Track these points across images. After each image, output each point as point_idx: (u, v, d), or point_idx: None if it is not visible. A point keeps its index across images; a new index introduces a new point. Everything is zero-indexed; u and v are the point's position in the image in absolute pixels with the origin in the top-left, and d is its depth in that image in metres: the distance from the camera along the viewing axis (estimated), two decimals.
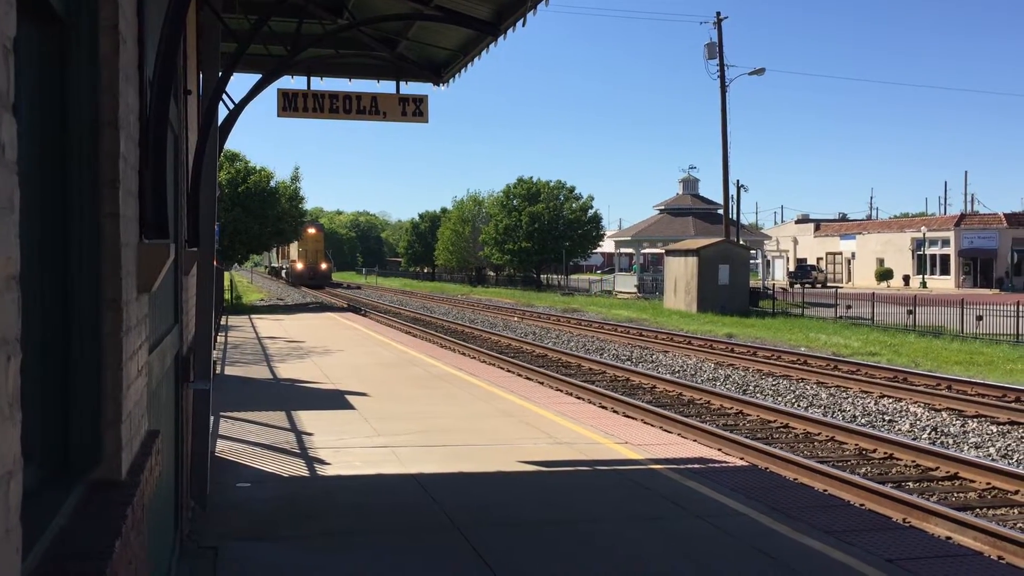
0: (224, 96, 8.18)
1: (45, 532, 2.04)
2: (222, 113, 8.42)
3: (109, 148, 2.58)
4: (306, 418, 11.97)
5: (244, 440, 10.51)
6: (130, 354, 2.83)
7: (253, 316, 35.91)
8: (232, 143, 77.71)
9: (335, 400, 13.85)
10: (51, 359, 2.46)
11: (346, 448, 10.12)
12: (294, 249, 74.59)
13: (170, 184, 4.80)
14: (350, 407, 13.12)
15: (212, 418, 9.27)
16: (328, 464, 9.37)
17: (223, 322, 29.61)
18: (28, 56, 2.24)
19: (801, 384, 18.70)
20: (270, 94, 11.11)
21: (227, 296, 42.18)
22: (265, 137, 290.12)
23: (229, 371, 17.27)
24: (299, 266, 71.96)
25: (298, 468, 9.25)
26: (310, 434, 10.90)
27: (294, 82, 12.36)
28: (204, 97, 8.28)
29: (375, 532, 7.11)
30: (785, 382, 19.01)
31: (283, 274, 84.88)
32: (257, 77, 8.56)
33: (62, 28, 2.45)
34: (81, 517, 2.29)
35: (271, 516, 7.48)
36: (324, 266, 73.26)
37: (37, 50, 2.33)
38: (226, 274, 42.50)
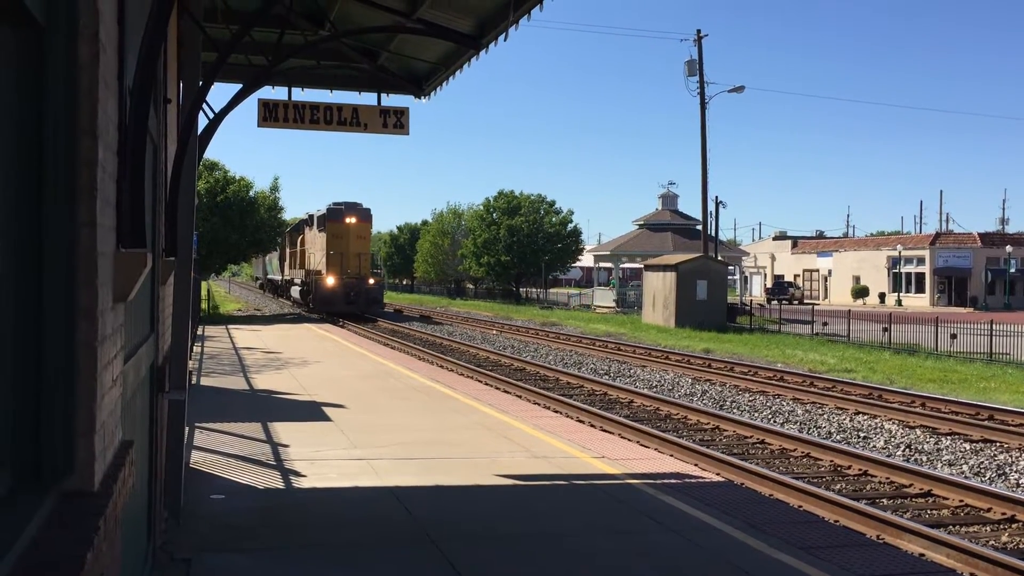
0: (204, 105, 8.16)
1: (16, 542, 2.02)
2: (202, 122, 8.40)
3: (87, 157, 2.56)
4: (282, 430, 11.89)
5: (219, 451, 10.43)
6: (105, 363, 2.81)
7: (230, 326, 35.69)
8: (211, 152, 76.40)
9: (312, 412, 13.77)
10: (24, 367, 2.43)
11: (322, 460, 10.07)
12: (317, 251, 45.94)
13: (148, 193, 4.77)
14: (327, 419, 13.05)
15: (187, 429, 9.20)
16: (304, 476, 9.32)
17: (200, 332, 29.40)
18: (3, 61, 2.23)
19: (777, 400, 18.78)
20: (251, 103, 11.07)
21: (204, 306, 41.91)
22: (244, 146, 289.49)
23: (205, 382, 17.14)
24: (329, 281, 43.02)
25: (273, 480, 9.18)
26: (286, 446, 10.83)
27: (275, 92, 12.34)
28: (184, 106, 8.25)
29: (350, 544, 7.07)
30: (762, 398, 19.10)
31: (295, 292, 51.79)
32: (238, 87, 8.55)
33: (41, 34, 2.44)
34: (52, 527, 2.27)
35: (245, 528, 7.42)
36: (372, 281, 44.98)
37: (14, 55, 2.31)
38: (203, 284, 42.21)
